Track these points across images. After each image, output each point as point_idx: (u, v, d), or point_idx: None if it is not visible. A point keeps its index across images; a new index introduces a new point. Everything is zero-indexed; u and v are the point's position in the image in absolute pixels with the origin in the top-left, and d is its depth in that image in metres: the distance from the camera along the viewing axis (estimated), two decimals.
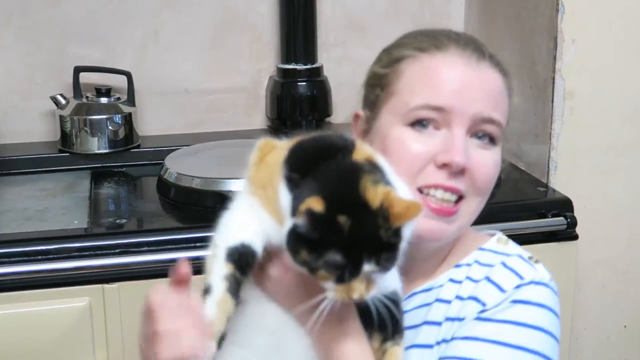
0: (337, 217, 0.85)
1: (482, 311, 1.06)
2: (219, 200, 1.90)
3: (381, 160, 0.97)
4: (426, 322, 1.10)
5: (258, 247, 0.95)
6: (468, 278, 1.12)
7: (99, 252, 1.74)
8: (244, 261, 0.94)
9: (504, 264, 1.11)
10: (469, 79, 1.09)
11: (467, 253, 1.15)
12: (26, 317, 1.71)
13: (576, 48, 2.00)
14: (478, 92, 1.09)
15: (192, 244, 1.77)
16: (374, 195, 0.87)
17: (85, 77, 2.27)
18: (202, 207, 1.92)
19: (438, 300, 1.12)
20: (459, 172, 1.07)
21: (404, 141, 1.09)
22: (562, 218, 1.93)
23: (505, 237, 1.18)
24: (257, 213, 0.95)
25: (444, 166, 1.07)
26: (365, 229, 0.86)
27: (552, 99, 2.03)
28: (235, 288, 0.94)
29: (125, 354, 1.77)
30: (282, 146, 1.01)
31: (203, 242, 1.77)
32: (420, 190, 1.08)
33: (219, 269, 0.95)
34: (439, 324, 1.09)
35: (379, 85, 1.15)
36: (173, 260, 1.77)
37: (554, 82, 2.02)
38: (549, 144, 2.06)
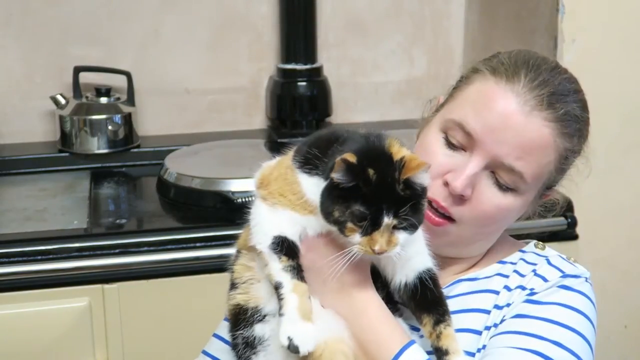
0: (367, 169, 0.94)
1: (531, 294, 1.10)
2: (218, 200, 1.90)
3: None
4: (474, 309, 1.13)
5: (295, 238, 1.02)
6: (515, 272, 1.15)
7: (98, 252, 1.74)
8: (290, 251, 1.01)
9: (548, 261, 1.15)
10: (510, 121, 1.08)
11: (509, 253, 1.19)
12: (26, 317, 1.71)
13: (576, 48, 2.00)
14: (510, 137, 1.08)
15: (192, 244, 1.78)
16: (398, 151, 0.97)
17: (85, 77, 2.27)
18: (202, 207, 1.92)
19: (486, 290, 1.15)
20: (458, 198, 1.09)
21: (431, 146, 1.13)
22: (562, 218, 1.94)
23: (542, 243, 1.22)
24: (285, 215, 1.02)
25: (447, 185, 1.09)
26: (386, 182, 0.95)
27: None
28: (297, 273, 1.00)
29: (125, 353, 1.77)
30: (279, 160, 1.09)
31: (203, 242, 1.79)
32: None
33: (275, 265, 1.00)
34: (487, 311, 1.12)
35: (455, 86, 1.18)
36: (173, 260, 1.79)
37: None
38: None
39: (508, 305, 1.11)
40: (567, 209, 1.96)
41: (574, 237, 1.95)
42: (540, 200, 1.19)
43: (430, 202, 1.09)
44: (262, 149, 2.27)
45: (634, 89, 2.06)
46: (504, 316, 1.10)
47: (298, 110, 2.37)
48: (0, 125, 2.31)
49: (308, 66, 2.37)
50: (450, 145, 1.11)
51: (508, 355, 1.03)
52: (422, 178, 0.97)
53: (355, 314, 1.03)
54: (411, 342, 1.02)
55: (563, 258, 1.17)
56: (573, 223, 1.94)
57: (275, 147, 2.26)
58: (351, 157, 0.94)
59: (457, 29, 2.53)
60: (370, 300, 1.04)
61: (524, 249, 1.20)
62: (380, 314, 1.04)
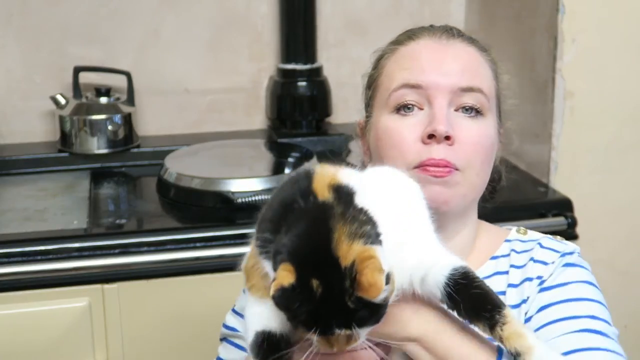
0: (310, 282, 0.82)
1: (541, 282, 1.12)
2: (218, 200, 1.90)
3: (346, 175, 0.92)
4: None
5: (285, 329, 0.92)
6: (512, 266, 1.16)
7: (98, 252, 1.74)
8: (273, 347, 0.91)
9: (540, 245, 1.17)
10: (440, 54, 1.15)
11: (495, 246, 1.20)
12: (26, 317, 1.71)
13: (576, 48, 2.00)
14: (452, 64, 1.14)
15: (192, 244, 1.77)
16: (346, 252, 0.83)
17: (85, 77, 2.27)
18: (202, 207, 1.92)
19: None
20: (447, 142, 1.10)
21: (391, 127, 1.13)
22: (562, 218, 1.94)
23: (524, 228, 1.24)
24: (270, 306, 0.89)
25: (430, 138, 1.10)
26: (334, 295, 0.82)
27: (552, 99, 2.03)
28: None
29: (125, 353, 1.77)
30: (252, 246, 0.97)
31: (203, 242, 1.79)
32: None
33: None
34: None
35: (368, 86, 1.22)
36: (173, 260, 1.79)
37: (554, 82, 2.02)
38: (549, 144, 2.06)
39: (524, 301, 1.12)
40: (567, 209, 1.96)
41: (574, 237, 1.95)
42: (500, 137, 1.21)
43: (428, 167, 1.10)
44: (262, 149, 2.27)
45: (634, 89, 2.06)
46: (526, 313, 1.11)
47: (298, 110, 2.37)
48: (0, 125, 2.31)
49: (308, 66, 2.37)
50: (408, 108, 1.13)
51: (559, 344, 1.03)
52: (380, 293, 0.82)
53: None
54: (500, 350, 0.96)
55: (551, 238, 1.20)
56: (573, 223, 1.94)
57: (275, 147, 2.27)
58: (287, 277, 0.82)
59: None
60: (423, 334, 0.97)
61: (508, 237, 1.21)
62: (442, 343, 0.96)
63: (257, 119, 2.48)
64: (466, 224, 1.18)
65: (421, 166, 1.10)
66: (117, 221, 1.89)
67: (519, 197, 2.02)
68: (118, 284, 1.74)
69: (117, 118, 2.24)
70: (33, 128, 2.33)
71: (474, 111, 1.13)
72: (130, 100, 2.29)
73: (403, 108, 1.13)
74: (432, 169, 1.10)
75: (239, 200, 1.86)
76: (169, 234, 1.79)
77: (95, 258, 1.73)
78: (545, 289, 1.12)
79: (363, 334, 0.87)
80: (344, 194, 0.89)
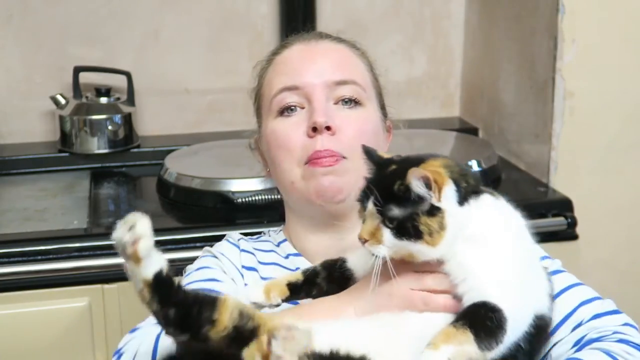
0: (392, 158, 1.01)
1: None
2: (219, 200, 1.90)
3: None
4: None
5: None
6: None
7: (98, 252, 1.74)
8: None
9: None
10: (311, 54, 1.23)
11: None
12: (26, 317, 1.71)
13: (576, 48, 2.00)
14: (323, 61, 1.22)
15: (192, 244, 1.77)
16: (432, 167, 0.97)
17: (85, 77, 2.27)
18: (202, 207, 1.92)
19: None
20: (329, 132, 1.17)
21: (277, 129, 1.21)
22: (562, 218, 1.94)
23: None
24: None
25: (314, 132, 1.17)
26: (389, 174, 0.97)
27: (552, 99, 2.03)
28: None
29: None
30: None
31: (203, 242, 1.79)
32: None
33: None
34: None
35: (254, 100, 1.30)
36: (173, 260, 1.78)
37: (554, 82, 2.02)
38: (549, 144, 2.06)
39: None
40: (567, 209, 1.96)
41: (574, 237, 1.95)
42: (386, 128, 1.30)
43: (315, 160, 1.16)
44: None
45: (634, 89, 2.06)
46: None
47: None
48: (0, 125, 2.31)
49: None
50: (290, 109, 1.20)
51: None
52: (420, 188, 0.92)
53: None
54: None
55: None
56: (573, 223, 1.94)
57: None
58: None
59: (457, 29, 2.53)
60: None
61: None
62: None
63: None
64: None
65: (309, 161, 1.17)
66: (117, 221, 1.89)
67: (519, 197, 2.01)
68: (118, 284, 1.74)
69: (117, 118, 2.24)
70: (33, 128, 2.33)
71: (353, 102, 1.21)
72: (130, 100, 2.29)
73: (286, 110, 1.21)
74: (319, 161, 1.16)
75: (239, 200, 1.86)
76: (169, 234, 1.79)
77: (95, 258, 1.73)
78: None
79: (386, 238, 0.94)
80: None
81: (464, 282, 0.96)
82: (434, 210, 0.93)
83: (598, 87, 2.04)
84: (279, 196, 1.93)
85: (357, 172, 1.13)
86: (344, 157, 1.17)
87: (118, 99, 2.28)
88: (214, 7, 2.38)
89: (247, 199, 1.86)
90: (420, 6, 2.50)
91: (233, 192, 1.88)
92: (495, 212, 0.99)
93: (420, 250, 0.95)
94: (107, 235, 1.83)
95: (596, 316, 1.10)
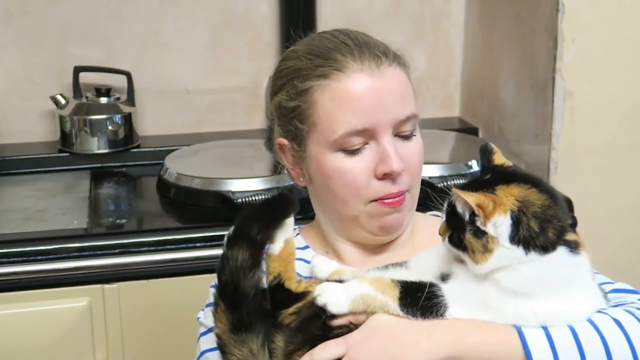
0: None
1: None
2: (218, 200, 1.90)
3: None
4: None
5: None
6: None
7: (98, 252, 1.74)
8: None
9: None
10: (378, 92, 1.16)
11: (432, 238, 1.21)
12: (26, 317, 1.71)
13: (576, 48, 2.00)
14: (389, 98, 1.16)
15: (192, 244, 1.77)
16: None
17: (85, 77, 2.27)
18: (202, 207, 1.92)
19: None
20: (400, 175, 1.16)
21: (342, 167, 1.17)
22: None
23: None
24: None
25: (385, 176, 1.16)
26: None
27: (552, 99, 2.03)
28: None
29: (125, 353, 1.77)
30: None
31: (203, 242, 1.79)
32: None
33: None
34: None
35: (295, 117, 1.21)
36: (173, 260, 1.79)
37: (554, 82, 2.02)
38: (549, 144, 2.06)
39: None
40: (567, 209, 1.96)
41: None
42: None
43: (384, 202, 1.16)
44: (262, 149, 2.26)
45: (634, 89, 2.06)
46: None
47: None
48: (0, 125, 2.31)
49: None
50: (354, 152, 1.16)
51: None
52: (460, 207, 0.99)
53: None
54: (516, 326, 1.01)
55: None
56: (573, 223, 1.94)
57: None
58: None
59: (457, 29, 2.53)
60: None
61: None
62: (469, 346, 1.02)
63: (257, 119, 2.47)
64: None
65: (378, 200, 1.17)
66: (117, 221, 1.89)
67: None
68: (118, 284, 1.74)
69: (117, 118, 2.24)
70: (33, 128, 2.34)
71: (409, 132, 1.19)
72: (130, 100, 2.29)
73: (351, 148, 1.17)
74: (387, 201, 1.16)
75: (239, 200, 1.86)
76: (169, 234, 1.79)
77: (95, 258, 1.73)
78: None
79: (447, 236, 1.02)
80: None
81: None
82: (479, 233, 0.97)
83: (598, 87, 2.04)
84: None
85: (413, 200, 1.21)
86: (407, 191, 1.19)
87: (118, 99, 2.28)
88: (214, 7, 2.38)
89: (247, 199, 1.86)
90: (420, 6, 2.50)
91: (233, 192, 1.88)
92: (547, 274, 1.00)
93: (467, 261, 1.00)
94: (107, 235, 1.85)
95: (614, 290, 1.14)
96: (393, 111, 1.16)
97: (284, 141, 1.24)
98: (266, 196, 1.88)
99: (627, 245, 2.15)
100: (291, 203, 1.11)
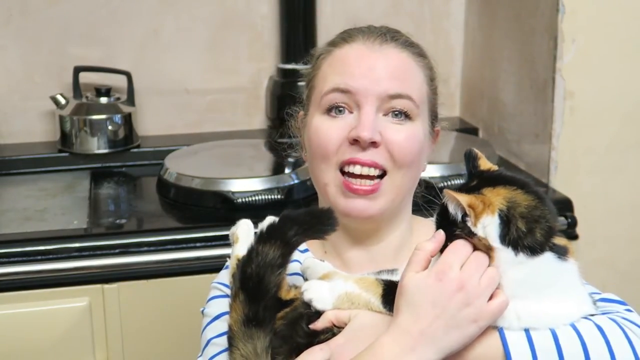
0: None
1: None
2: (218, 200, 1.90)
3: None
4: None
5: None
6: None
7: (98, 252, 1.74)
8: None
9: None
10: (371, 61, 1.18)
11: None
12: (26, 317, 1.71)
13: (576, 48, 2.00)
14: (382, 71, 1.17)
15: (192, 244, 1.78)
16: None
17: (85, 77, 2.27)
18: (202, 207, 1.92)
19: None
20: (374, 146, 1.15)
21: (320, 127, 1.18)
22: (562, 218, 1.94)
23: None
24: None
25: (355, 142, 1.15)
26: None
27: (552, 99, 2.03)
28: None
29: (125, 353, 1.77)
30: None
31: (203, 242, 1.79)
32: (342, 172, 1.17)
33: None
34: None
35: (306, 84, 1.27)
36: (173, 260, 1.79)
37: (554, 82, 2.02)
38: (549, 144, 2.06)
39: None
40: (567, 208, 1.96)
41: (574, 237, 1.95)
42: (433, 134, 1.27)
43: (352, 175, 1.15)
44: (262, 149, 2.27)
45: (634, 89, 2.06)
46: None
47: None
48: (0, 125, 2.31)
49: (308, 66, 2.36)
50: (339, 110, 1.17)
51: None
52: (452, 208, 1.00)
53: None
54: (498, 328, 1.01)
55: None
56: (573, 223, 1.94)
57: (275, 147, 2.27)
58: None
59: (457, 29, 2.53)
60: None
61: None
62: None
63: (257, 119, 2.48)
64: (399, 225, 1.23)
65: (343, 165, 1.15)
66: (117, 221, 1.89)
67: None
68: (118, 284, 1.74)
69: (117, 118, 2.24)
70: (33, 128, 2.34)
71: (403, 115, 1.18)
72: (130, 100, 2.29)
73: (334, 109, 1.18)
74: (356, 181, 1.15)
75: (239, 200, 1.86)
76: (169, 234, 1.79)
77: (95, 258, 1.73)
78: None
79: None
80: None
81: None
82: (470, 234, 0.99)
83: (598, 87, 2.04)
84: (279, 196, 1.95)
85: (394, 189, 1.17)
86: (384, 170, 1.16)
87: (118, 99, 2.28)
88: (214, 7, 2.38)
89: (247, 199, 1.86)
90: (420, 6, 2.50)
91: (233, 192, 1.88)
92: (534, 278, 1.00)
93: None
94: (107, 235, 1.85)
95: (602, 300, 1.13)
96: (383, 84, 1.16)
97: (301, 113, 1.28)
98: (266, 197, 1.88)
99: (627, 245, 2.15)
100: (335, 222, 1.09)
